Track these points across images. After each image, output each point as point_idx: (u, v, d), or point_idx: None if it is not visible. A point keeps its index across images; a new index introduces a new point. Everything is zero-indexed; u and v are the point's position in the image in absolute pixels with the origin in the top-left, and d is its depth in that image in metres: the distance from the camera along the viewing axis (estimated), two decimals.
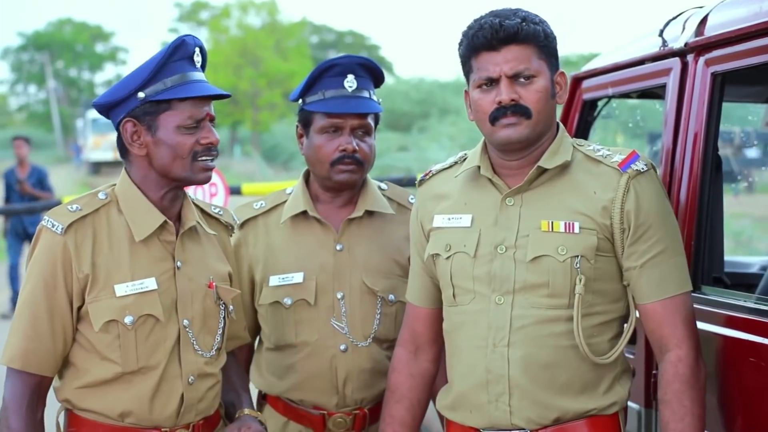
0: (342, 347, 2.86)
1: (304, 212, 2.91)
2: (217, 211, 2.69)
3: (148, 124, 2.43)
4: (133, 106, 2.43)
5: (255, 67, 43.17)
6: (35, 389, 2.43)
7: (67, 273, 2.41)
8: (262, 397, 3.00)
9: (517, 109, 2.36)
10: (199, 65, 2.48)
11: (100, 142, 37.90)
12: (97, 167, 38.85)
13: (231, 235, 2.73)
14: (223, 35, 46.17)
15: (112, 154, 37.85)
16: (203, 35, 52.67)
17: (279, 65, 43.15)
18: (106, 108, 2.48)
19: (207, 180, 2.48)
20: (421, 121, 34.38)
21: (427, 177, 2.64)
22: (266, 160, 38.04)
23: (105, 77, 69.20)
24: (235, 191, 7.68)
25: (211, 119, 2.48)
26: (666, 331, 2.35)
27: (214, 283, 2.55)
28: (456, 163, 2.60)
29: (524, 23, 2.36)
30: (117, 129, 2.48)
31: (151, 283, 2.45)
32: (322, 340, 2.87)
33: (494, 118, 2.38)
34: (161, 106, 2.42)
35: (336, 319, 2.86)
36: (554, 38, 2.42)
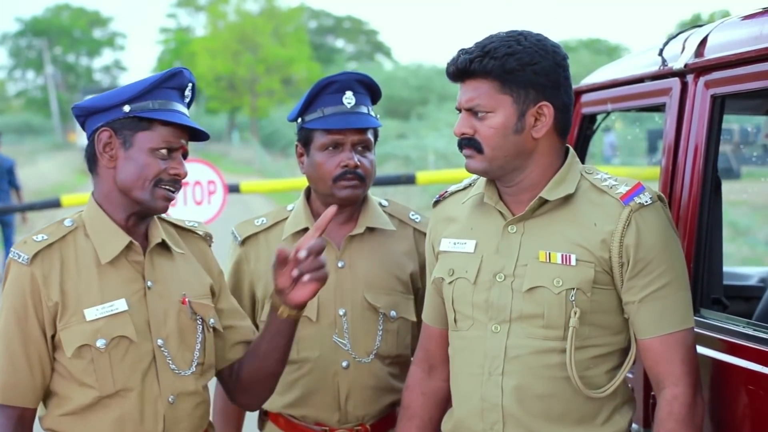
0: (344, 364, 2.86)
1: (306, 229, 2.91)
2: (191, 224, 2.67)
3: (124, 138, 2.42)
4: (114, 117, 2.41)
5: (253, 53, 43.08)
6: (18, 422, 2.40)
7: (36, 303, 2.39)
8: (264, 414, 3.01)
9: (469, 143, 2.38)
10: (187, 101, 2.47)
11: None
12: None
13: (210, 245, 2.69)
14: (221, 21, 46.07)
15: None
16: (201, 21, 52.53)
17: (277, 51, 43.06)
18: (87, 113, 2.46)
19: (164, 209, 2.46)
20: (419, 107, 34.29)
21: (442, 198, 2.62)
22: (264, 146, 37.99)
23: (103, 62, 69.16)
24: (233, 189, 7.67)
25: (185, 154, 2.46)
26: (663, 368, 2.31)
27: (187, 299, 2.52)
28: (470, 185, 2.58)
29: (479, 58, 2.31)
30: (90, 137, 2.46)
31: (121, 305, 2.42)
32: (324, 357, 2.87)
33: (459, 147, 2.42)
34: (141, 124, 2.41)
35: (338, 335, 2.87)
36: (531, 70, 2.30)
